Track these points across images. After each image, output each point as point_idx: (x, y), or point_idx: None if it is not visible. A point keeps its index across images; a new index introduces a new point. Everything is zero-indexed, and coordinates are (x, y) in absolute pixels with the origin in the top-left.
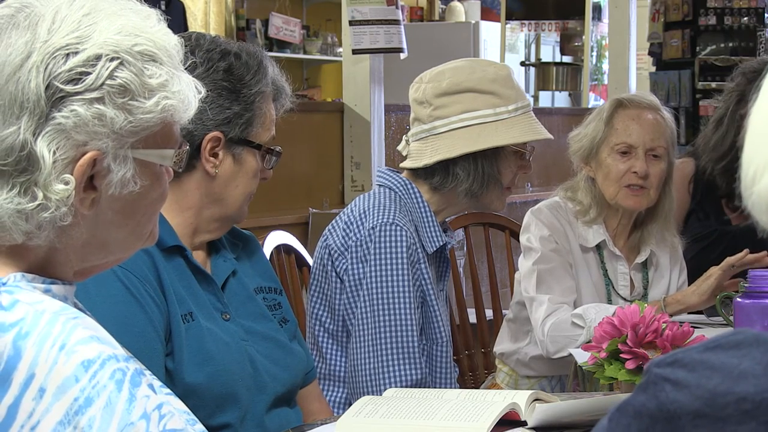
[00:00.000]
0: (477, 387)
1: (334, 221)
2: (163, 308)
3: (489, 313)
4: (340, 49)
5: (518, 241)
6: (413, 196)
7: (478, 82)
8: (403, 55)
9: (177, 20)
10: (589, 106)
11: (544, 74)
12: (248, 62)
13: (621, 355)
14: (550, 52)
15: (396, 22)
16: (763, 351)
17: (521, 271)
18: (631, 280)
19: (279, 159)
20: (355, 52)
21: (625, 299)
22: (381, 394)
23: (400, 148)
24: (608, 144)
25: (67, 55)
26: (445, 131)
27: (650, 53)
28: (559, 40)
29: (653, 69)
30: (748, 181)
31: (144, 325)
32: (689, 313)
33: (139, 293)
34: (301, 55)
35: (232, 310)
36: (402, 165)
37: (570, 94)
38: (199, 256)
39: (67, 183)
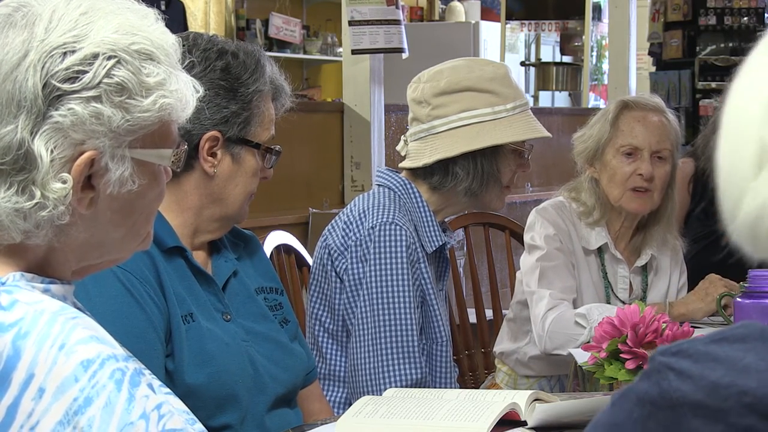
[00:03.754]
0: (477, 387)
1: (333, 221)
2: (163, 309)
3: (489, 313)
4: (340, 49)
5: (518, 241)
6: (412, 195)
7: (476, 81)
8: (404, 55)
9: (177, 20)
10: (589, 106)
11: (544, 74)
12: (245, 61)
13: (621, 355)
14: (550, 52)
15: (396, 22)
16: None
17: (523, 267)
18: (630, 283)
19: (279, 158)
20: (354, 52)
21: (623, 302)
22: (381, 394)
23: (398, 148)
24: (613, 145)
25: (64, 53)
26: (443, 130)
27: (650, 53)
28: (559, 40)
29: (653, 69)
30: (728, 213)
31: (144, 326)
32: None
33: (139, 294)
34: (301, 55)
35: (233, 311)
36: (401, 165)
37: (570, 94)
38: (199, 257)
39: (64, 182)
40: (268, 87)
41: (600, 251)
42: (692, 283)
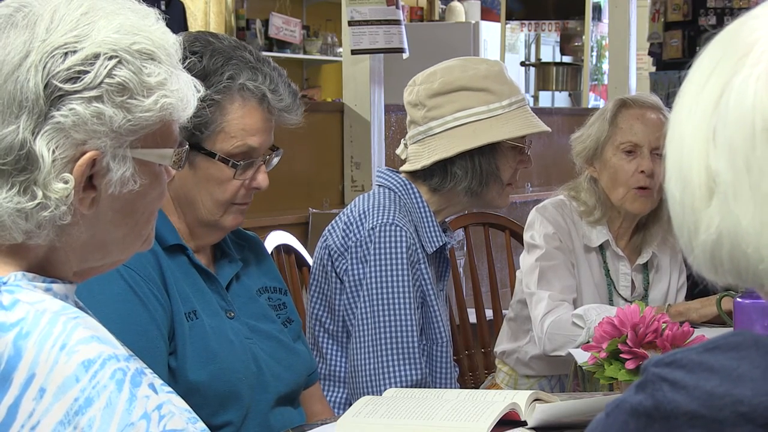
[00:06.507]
0: (477, 387)
1: (333, 221)
2: (167, 306)
3: (489, 313)
4: (340, 49)
5: (518, 240)
6: (413, 196)
7: (470, 80)
8: (405, 55)
9: (177, 20)
10: (589, 106)
11: (544, 74)
12: (205, 67)
13: (621, 355)
14: (550, 52)
15: (396, 22)
16: (762, 354)
17: (523, 267)
18: (632, 280)
19: (248, 168)
20: (354, 52)
21: (626, 300)
22: (381, 395)
23: (398, 152)
24: (613, 143)
25: (66, 53)
26: (440, 131)
27: (650, 53)
28: (559, 40)
29: (653, 69)
30: (685, 243)
31: (147, 324)
32: None
33: (143, 292)
34: (301, 55)
35: (236, 310)
36: (401, 169)
37: (570, 94)
38: (203, 258)
39: (66, 182)
40: (230, 95)
41: (602, 249)
42: (695, 285)
